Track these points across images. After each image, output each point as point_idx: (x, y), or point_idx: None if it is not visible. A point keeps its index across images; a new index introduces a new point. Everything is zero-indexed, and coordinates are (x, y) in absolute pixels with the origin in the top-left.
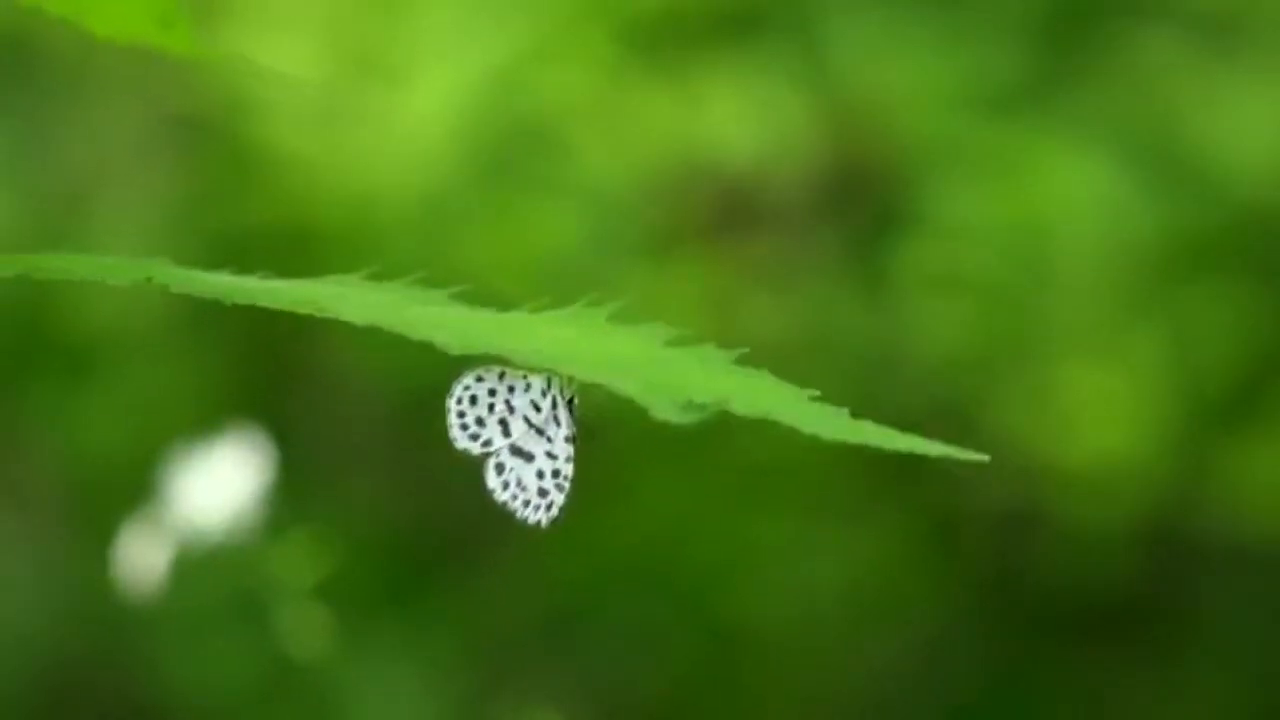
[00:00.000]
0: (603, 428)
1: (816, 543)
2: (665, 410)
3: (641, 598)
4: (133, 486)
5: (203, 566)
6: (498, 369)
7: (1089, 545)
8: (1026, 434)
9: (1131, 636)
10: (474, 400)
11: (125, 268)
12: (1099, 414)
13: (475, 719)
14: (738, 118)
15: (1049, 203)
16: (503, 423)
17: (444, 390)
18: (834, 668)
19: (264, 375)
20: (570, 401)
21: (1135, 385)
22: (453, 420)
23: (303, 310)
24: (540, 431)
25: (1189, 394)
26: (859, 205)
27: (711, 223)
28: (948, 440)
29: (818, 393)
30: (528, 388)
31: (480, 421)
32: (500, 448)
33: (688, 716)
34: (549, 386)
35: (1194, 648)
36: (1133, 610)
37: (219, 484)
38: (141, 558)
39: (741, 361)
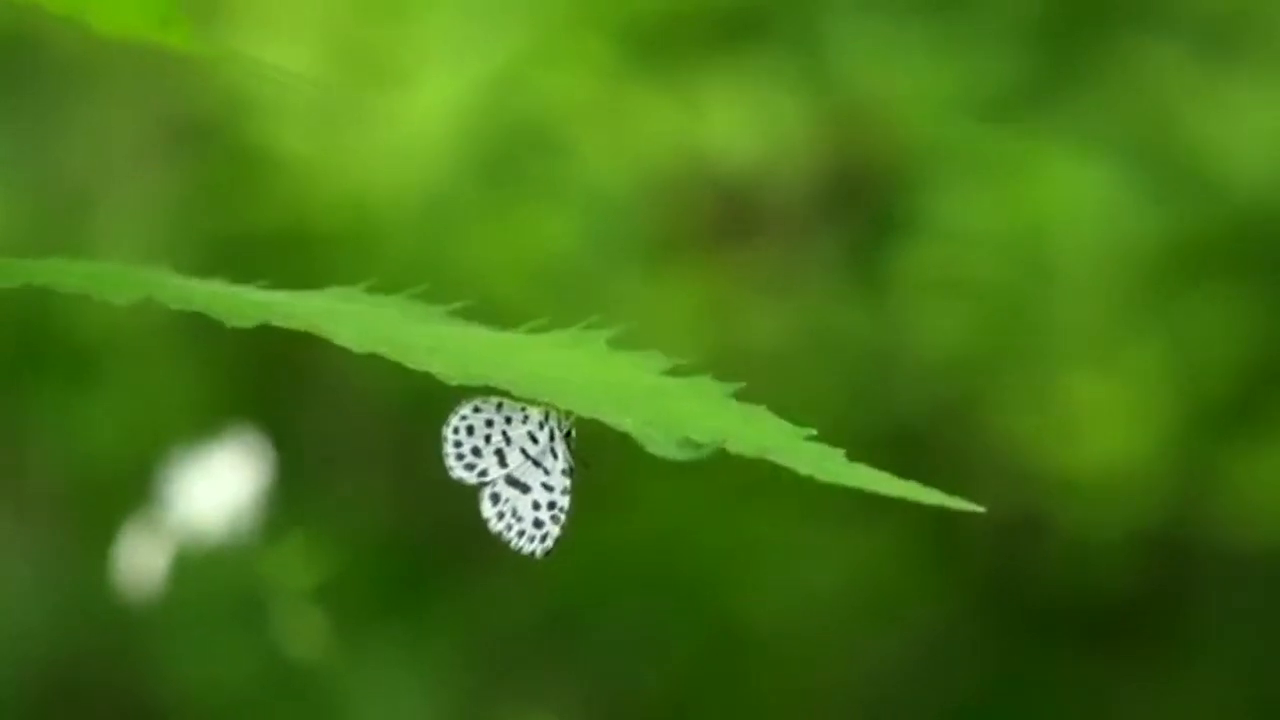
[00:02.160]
0: (599, 460)
1: (816, 543)
2: (662, 448)
3: (641, 599)
4: (133, 487)
5: (202, 568)
6: (495, 400)
7: (1089, 548)
8: (1028, 438)
9: (1131, 640)
10: (471, 431)
11: (122, 280)
12: (1100, 418)
13: None
14: (738, 121)
15: (1049, 206)
16: (499, 453)
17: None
18: (834, 668)
19: (265, 375)
20: (568, 434)
21: (1136, 389)
22: (449, 450)
23: (299, 328)
24: (537, 463)
25: (1190, 398)
26: (859, 209)
27: (712, 226)
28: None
29: (814, 431)
30: (525, 419)
31: (477, 451)
32: (496, 478)
33: (688, 717)
34: (546, 419)
35: (1194, 652)
36: (1133, 614)
37: (218, 485)
38: (141, 559)
39: (739, 395)
